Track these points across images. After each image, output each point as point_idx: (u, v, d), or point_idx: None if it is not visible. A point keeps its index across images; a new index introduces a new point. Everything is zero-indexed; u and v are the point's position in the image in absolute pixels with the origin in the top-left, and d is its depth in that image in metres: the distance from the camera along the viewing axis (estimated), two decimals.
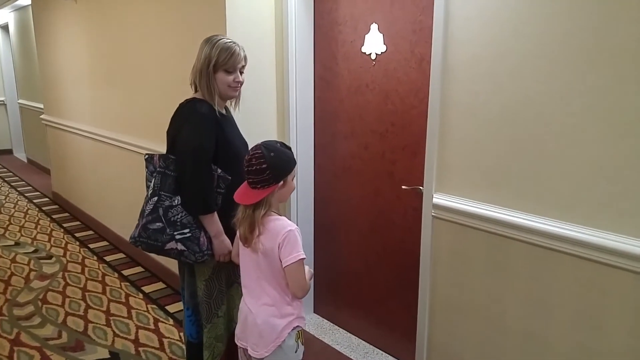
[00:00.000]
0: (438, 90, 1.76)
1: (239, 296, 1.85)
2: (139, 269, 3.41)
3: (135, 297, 2.98)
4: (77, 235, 4.12)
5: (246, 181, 1.49)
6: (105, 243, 3.93)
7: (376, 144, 2.23)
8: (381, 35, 2.10)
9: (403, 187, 2.08)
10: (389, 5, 2.05)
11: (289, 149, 1.50)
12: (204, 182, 1.70)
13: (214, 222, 1.74)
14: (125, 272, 3.36)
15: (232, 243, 1.75)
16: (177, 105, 1.83)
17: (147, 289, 3.10)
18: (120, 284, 3.16)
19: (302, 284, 1.45)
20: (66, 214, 4.72)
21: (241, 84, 1.81)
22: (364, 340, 2.47)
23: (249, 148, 1.54)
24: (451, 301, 1.85)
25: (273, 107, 2.50)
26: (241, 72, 1.79)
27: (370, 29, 2.14)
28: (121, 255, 3.68)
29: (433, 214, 1.83)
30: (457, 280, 1.81)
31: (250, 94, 2.15)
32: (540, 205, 1.52)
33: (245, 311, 1.53)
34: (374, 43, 2.13)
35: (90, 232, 4.19)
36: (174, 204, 1.70)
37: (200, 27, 2.39)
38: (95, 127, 3.96)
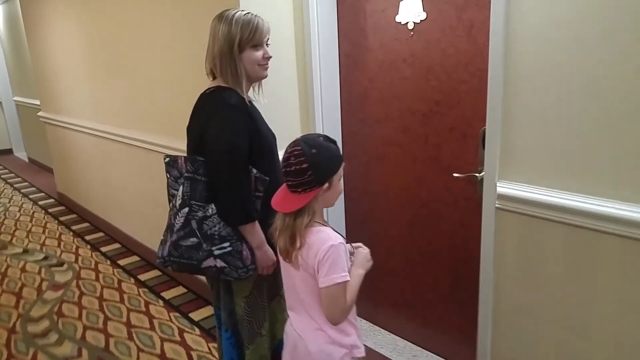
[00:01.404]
0: (500, 61, 1.49)
1: (281, 310, 1.65)
2: (155, 273, 3.20)
3: (155, 304, 2.77)
4: (87, 238, 3.91)
5: (285, 184, 1.24)
6: (117, 245, 3.71)
7: (417, 127, 1.96)
8: (419, 0, 1.80)
9: (455, 174, 1.82)
10: None
11: (334, 143, 1.25)
12: (243, 186, 1.46)
13: (256, 232, 1.51)
14: (142, 277, 3.15)
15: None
16: (198, 96, 1.57)
17: (166, 294, 2.89)
18: (138, 291, 2.95)
19: (339, 308, 1.20)
20: (74, 216, 4.50)
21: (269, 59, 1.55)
22: (410, 342, 2.25)
23: (281, 141, 1.31)
24: (520, 304, 1.62)
25: (294, 91, 2.24)
26: (267, 46, 1.54)
27: None
28: (135, 258, 3.47)
29: (497, 205, 1.59)
30: (528, 281, 1.57)
31: (268, 79, 1.89)
32: (636, 193, 1.27)
33: (294, 337, 1.31)
34: (411, 10, 1.84)
35: (101, 234, 3.97)
36: (208, 214, 1.46)
37: (210, 4, 2.11)
38: (97, 123, 3.70)
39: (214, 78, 1.55)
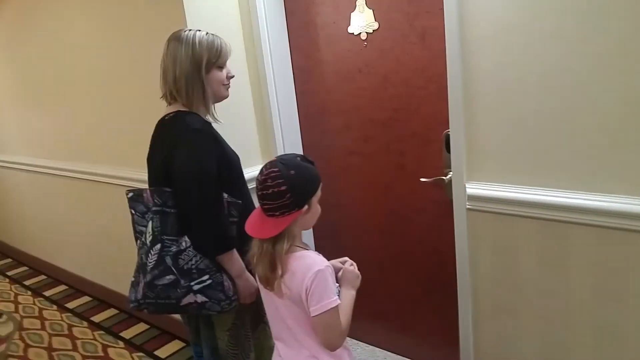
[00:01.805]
0: (458, 66, 1.51)
1: (267, 337, 1.58)
2: (111, 312, 2.97)
3: (114, 346, 2.57)
4: (26, 283, 3.58)
5: (259, 208, 1.17)
6: (63, 287, 3.43)
7: (378, 135, 1.95)
8: (371, 10, 1.81)
9: (421, 179, 1.82)
10: None
11: (312, 163, 1.20)
12: (217, 213, 1.39)
13: (235, 260, 1.44)
14: (96, 318, 2.91)
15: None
16: (147, 122, 1.50)
17: (126, 334, 2.69)
18: (93, 334, 2.73)
19: (336, 333, 1.15)
20: (8, 260, 4.11)
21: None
22: (390, 351, 2.22)
23: (242, 161, 1.30)
24: (499, 301, 1.63)
25: (250, 108, 2.17)
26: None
27: (356, 5, 1.84)
28: (86, 298, 3.21)
29: (468, 206, 1.60)
30: (505, 278, 1.59)
31: None
32: (603, 182, 1.32)
33: None
34: (362, 21, 1.84)
35: (42, 278, 3.65)
36: (182, 248, 1.37)
37: (154, 25, 2.02)
38: (30, 157, 3.41)
39: (171, 102, 1.46)
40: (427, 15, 1.67)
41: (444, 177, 1.76)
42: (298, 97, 2.18)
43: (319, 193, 1.19)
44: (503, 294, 1.61)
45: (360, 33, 1.86)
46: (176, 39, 1.42)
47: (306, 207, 1.15)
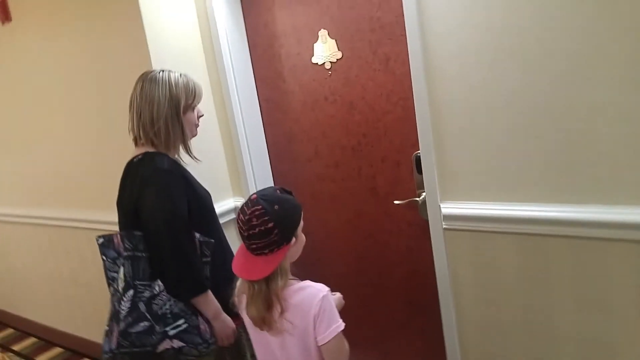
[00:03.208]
0: (423, 89, 1.49)
1: None
2: None
3: None
4: None
5: (244, 248, 1.11)
6: (32, 340, 3.18)
7: (349, 161, 1.91)
8: (333, 40, 1.79)
9: (395, 202, 1.78)
10: (336, 7, 1.75)
11: (290, 192, 1.16)
12: (190, 255, 1.34)
13: (210, 302, 1.39)
14: None
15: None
16: (125, 165, 1.43)
17: None
18: None
19: (345, 356, 1.14)
20: None
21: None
22: None
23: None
24: (484, 320, 1.58)
25: (218, 143, 2.11)
26: None
27: (318, 36, 1.83)
28: (57, 350, 2.98)
29: (445, 226, 1.56)
30: (488, 296, 1.55)
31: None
32: (575, 194, 1.31)
33: None
34: (326, 50, 1.82)
35: (10, 331, 3.39)
36: (156, 293, 1.32)
37: (120, 64, 1.95)
38: None
39: (140, 143, 1.42)
40: (390, 42, 1.67)
41: (417, 199, 1.72)
42: (265, 128, 2.13)
43: (301, 222, 1.16)
44: (487, 311, 1.57)
45: (324, 62, 1.84)
46: (151, 80, 1.38)
47: (294, 239, 1.11)
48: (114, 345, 1.31)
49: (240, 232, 1.10)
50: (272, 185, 2.14)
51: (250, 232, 1.06)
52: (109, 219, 2.15)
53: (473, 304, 1.60)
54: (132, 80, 1.43)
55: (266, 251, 1.07)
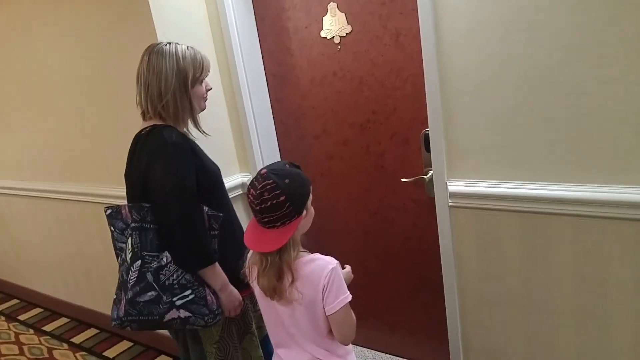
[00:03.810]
0: (434, 65, 1.51)
1: (254, 347, 1.58)
2: (92, 332, 2.87)
3: None
4: None
5: (255, 221, 1.16)
6: (38, 310, 3.28)
7: (357, 138, 1.94)
8: (343, 14, 1.80)
9: (402, 180, 1.82)
10: None
11: (298, 167, 1.19)
12: (198, 227, 1.36)
13: (217, 274, 1.42)
14: (76, 340, 2.80)
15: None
16: (133, 137, 1.45)
17: (110, 353, 2.60)
18: (75, 356, 2.63)
19: (352, 328, 1.19)
20: None
21: None
22: (379, 351, 2.22)
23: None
24: (485, 295, 1.65)
25: (225, 118, 2.13)
26: None
27: (327, 9, 1.83)
28: (63, 320, 3.08)
29: (450, 203, 1.61)
30: (490, 271, 1.61)
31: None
32: (579, 173, 1.35)
33: None
34: (335, 24, 1.83)
35: (15, 302, 3.49)
36: (163, 264, 1.35)
37: (125, 36, 1.95)
38: None
39: (147, 117, 1.43)
40: (401, 17, 1.68)
41: (424, 177, 1.76)
42: (273, 103, 2.15)
43: (311, 195, 1.20)
44: (488, 286, 1.63)
45: (333, 37, 1.85)
46: (158, 52, 1.38)
47: (305, 212, 1.15)
48: (122, 313, 1.35)
49: (251, 206, 1.13)
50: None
51: (262, 206, 1.10)
52: (115, 192, 2.22)
53: (475, 279, 1.66)
54: (137, 53, 1.44)
55: (278, 224, 1.11)
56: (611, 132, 1.27)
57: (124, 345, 2.65)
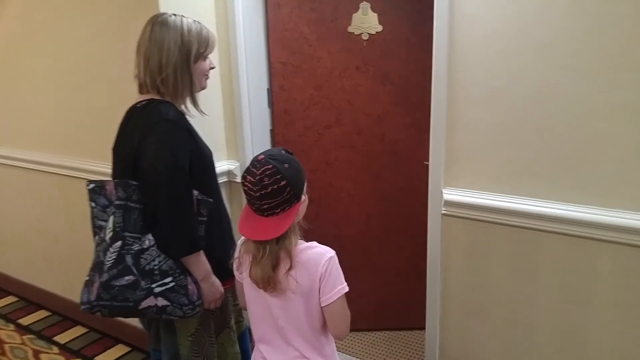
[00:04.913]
0: (444, 72, 1.69)
1: (231, 343, 1.66)
2: (42, 313, 2.86)
3: (48, 352, 2.53)
4: None
5: (251, 209, 1.21)
6: (13, 299, 3.08)
7: (372, 128, 2.25)
8: (375, 14, 2.08)
9: (425, 162, 2.04)
10: None
11: (291, 153, 1.30)
12: (187, 211, 1.39)
13: (201, 263, 1.45)
14: (24, 321, 2.79)
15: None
16: (127, 110, 1.49)
17: (61, 338, 2.65)
18: (22, 338, 2.65)
19: (347, 319, 1.27)
20: None
21: None
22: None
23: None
24: (468, 306, 1.83)
25: (218, 101, 2.20)
26: None
27: (359, 8, 2.10)
28: (11, 299, 3.08)
29: (444, 211, 1.77)
30: (476, 283, 1.78)
31: None
32: (579, 194, 1.53)
33: None
34: (365, 22, 2.10)
35: None
36: (145, 247, 1.36)
37: (123, 5, 2.02)
38: None
39: (144, 91, 1.47)
40: (431, 22, 1.80)
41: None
42: (277, 92, 2.33)
43: (306, 182, 1.29)
44: (472, 298, 1.81)
45: (361, 33, 2.11)
46: (162, 23, 1.42)
47: (303, 197, 1.23)
48: (93, 297, 1.34)
49: (249, 193, 1.18)
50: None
51: (263, 192, 1.14)
52: (84, 166, 2.24)
53: (460, 290, 1.82)
54: (137, 26, 1.48)
55: (278, 210, 1.16)
56: (613, 157, 1.46)
57: (78, 330, 2.69)
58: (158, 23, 1.42)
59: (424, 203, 2.05)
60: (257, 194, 1.15)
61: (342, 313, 1.24)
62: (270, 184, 1.14)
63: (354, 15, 2.09)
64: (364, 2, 2.07)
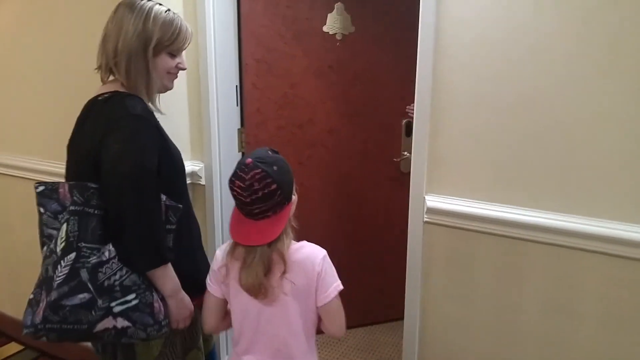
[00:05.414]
0: (428, 77, 1.64)
1: None
2: (13, 348, 2.46)
3: None
4: None
5: (238, 214, 1.21)
6: None
7: (344, 127, 2.31)
8: (349, 16, 2.10)
9: (394, 159, 2.26)
10: None
11: (277, 152, 1.28)
12: (153, 217, 1.26)
13: (169, 276, 1.31)
14: None
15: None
16: (85, 103, 1.36)
17: None
18: None
19: (343, 316, 1.28)
20: None
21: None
22: None
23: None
24: (450, 316, 1.78)
25: (183, 99, 2.08)
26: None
27: (334, 8, 2.11)
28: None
29: (426, 219, 1.72)
30: (458, 292, 1.75)
31: None
32: (564, 203, 1.53)
33: None
34: (339, 23, 2.12)
35: None
36: (105, 259, 1.21)
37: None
38: None
39: (105, 80, 1.37)
40: (404, 25, 1.86)
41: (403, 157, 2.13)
42: (250, 90, 2.24)
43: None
44: (454, 308, 1.77)
45: (335, 33, 2.12)
46: (127, 6, 1.33)
47: (294, 197, 1.25)
48: (38, 319, 1.17)
49: (239, 198, 1.17)
50: (236, 151, 2.24)
51: (254, 197, 1.14)
52: (19, 163, 2.05)
53: (441, 299, 1.78)
54: (96, 11, 1.44)
55: (269, 214, 1.17)
56: (599, 166, 1.47)
57: (12, 348, 2.39)
58: (123, 4, 1.33)
59: (394, 201, 2.27)
60: (248, 199, 1.15)
61: (340, 310, 1.26)
62: (261, 189, 1.14)
63: (329, 15, 2.13)
64: (339, 3, 2.12)
